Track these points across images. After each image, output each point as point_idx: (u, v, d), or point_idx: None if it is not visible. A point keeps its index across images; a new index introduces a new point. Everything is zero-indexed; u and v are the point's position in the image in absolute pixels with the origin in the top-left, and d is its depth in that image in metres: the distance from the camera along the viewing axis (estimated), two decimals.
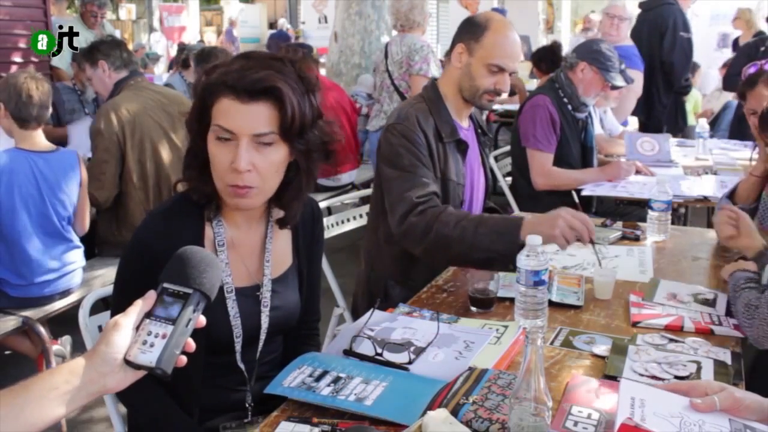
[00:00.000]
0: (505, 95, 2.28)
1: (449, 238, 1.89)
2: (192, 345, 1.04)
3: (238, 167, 1.32)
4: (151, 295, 1.05)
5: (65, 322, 2.80)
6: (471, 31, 2.16)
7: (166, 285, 1.05)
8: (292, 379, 1.38)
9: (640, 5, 5.53)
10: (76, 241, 2.87)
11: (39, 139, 2.76)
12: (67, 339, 2.95)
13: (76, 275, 2.88)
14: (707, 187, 3.18)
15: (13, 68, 5.27)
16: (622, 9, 4.78)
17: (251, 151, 1.34)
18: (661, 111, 5.31)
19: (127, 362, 1.00)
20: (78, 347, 2.89)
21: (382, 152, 2.14)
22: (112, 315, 1.33)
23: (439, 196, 2.07)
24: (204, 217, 1.45)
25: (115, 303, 1.46)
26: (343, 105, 4.75)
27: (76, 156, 2.85)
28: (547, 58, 4.84)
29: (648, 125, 5.21)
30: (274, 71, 1.34)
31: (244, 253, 1.50)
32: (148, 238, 1.42)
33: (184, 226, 1.43)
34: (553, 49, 5.07)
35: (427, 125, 2.12)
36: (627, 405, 1.18)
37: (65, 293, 2.84)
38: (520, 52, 2.22)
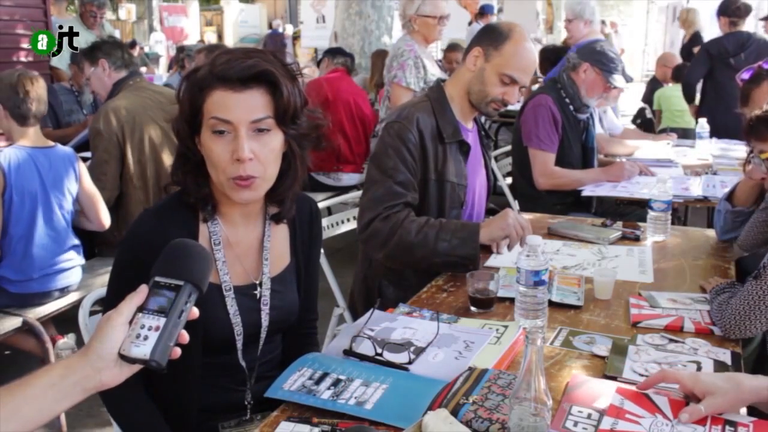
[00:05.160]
0: None
1: (411, 244, 2.00)
2: (186, 337, 1.05)
3: (241, 156, 1.32)
4: (143, 289, 1.05)
5: (70, 321, 2.79)
6: (492, 37, 2.15)
7: (157, 278, 1.06)
8: (292, 383, 1.37)
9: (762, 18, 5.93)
10: (75, 238, 2.88)
11: (37, 135, 2.77)
12: (72, 336, 2.95)
13: (75, 272, 2.88)
14: (707, 187, 3.17)
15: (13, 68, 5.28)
16: (569, 11, 4.79)
17: (250, 140, 1.34)
18: None
19: (122, 356, 1.00)
20: (81, 346, 2.87)
21: (375, 149, 2.18)
22: (105, 310, 1.33)
23: (412, 204, 2.09)
24: (199, 216, 1.45)
25: (108, 298, 1.46)
26: (351, 105, 4.74)
27: (73, 152, 2.87)
28: (551, 59, 4.81)
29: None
30: (260, 59, 1.35)
31: (241, 252, 1.49)
32: (142, 233, 1.42)
33: (178, 224, 1.43)
34: (558, 50, 5.03)
35: (426, 125, 2.12)
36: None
37: (64, 290, 2.84)
38: (534, 68, 2.22)
